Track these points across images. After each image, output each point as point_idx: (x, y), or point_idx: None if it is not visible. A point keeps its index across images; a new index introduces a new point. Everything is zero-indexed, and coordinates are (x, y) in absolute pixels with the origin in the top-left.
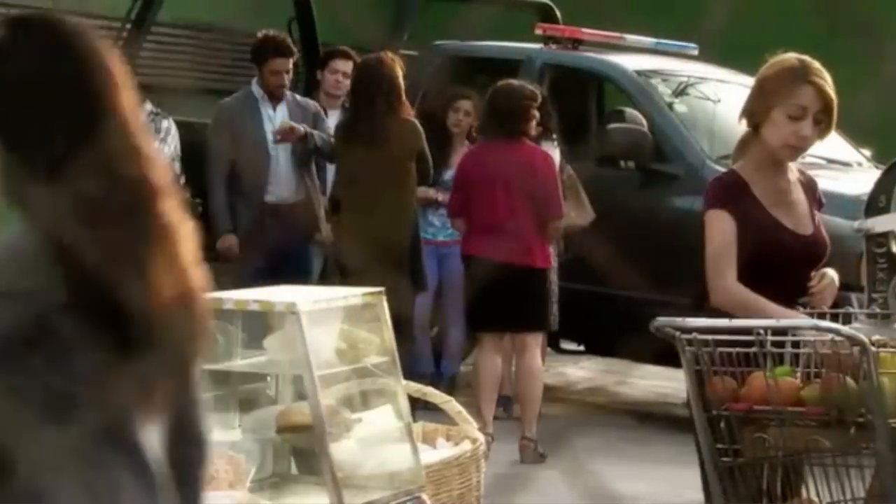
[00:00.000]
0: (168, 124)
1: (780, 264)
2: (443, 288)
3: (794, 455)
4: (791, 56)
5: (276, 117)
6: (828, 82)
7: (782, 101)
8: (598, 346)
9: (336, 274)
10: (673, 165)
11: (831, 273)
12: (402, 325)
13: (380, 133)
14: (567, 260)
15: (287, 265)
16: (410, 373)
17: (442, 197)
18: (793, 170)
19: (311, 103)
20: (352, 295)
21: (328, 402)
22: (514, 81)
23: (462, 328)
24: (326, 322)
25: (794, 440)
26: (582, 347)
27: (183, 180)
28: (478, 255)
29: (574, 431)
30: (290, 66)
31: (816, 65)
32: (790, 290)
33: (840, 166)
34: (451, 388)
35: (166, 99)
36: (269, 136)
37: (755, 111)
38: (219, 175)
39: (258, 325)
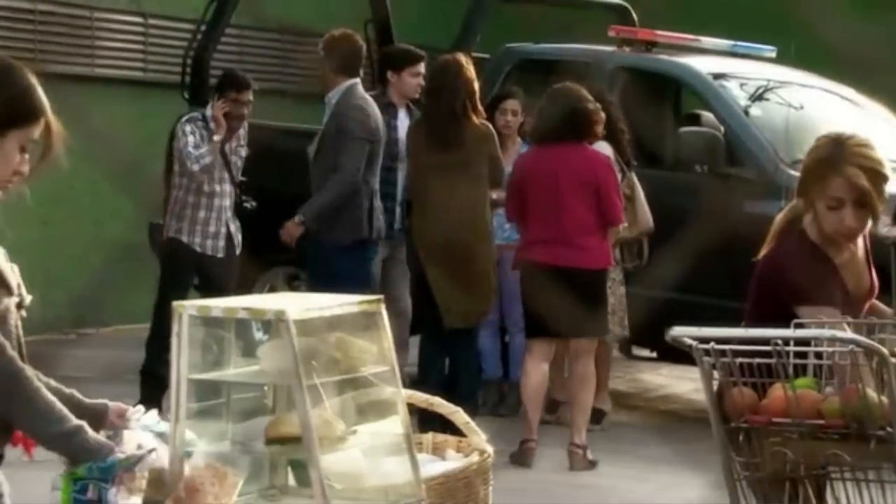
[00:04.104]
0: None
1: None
2: (502, 293)
3: (817, 470)
4: (827, 140)
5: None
6: (862, 166)
7: (819, 194)
8: (671, 352)
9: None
10: (746, 169)
11: None
12: (472, 330)
13: (453, 136)
14: (637, 265)
15: None
16: (450, 382)
17: (496, 195)
18: None
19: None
20: (348, 303)
21: (320, 412)
22: (572, 84)
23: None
24: (320, 330)
25: (814, 454)
26: (654, 354)
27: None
28: (535, 260)
29: (641, 439)
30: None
31: (853, 147)
32: None
33: None
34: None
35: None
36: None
37: (804, 200)
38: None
39: (253, 333)
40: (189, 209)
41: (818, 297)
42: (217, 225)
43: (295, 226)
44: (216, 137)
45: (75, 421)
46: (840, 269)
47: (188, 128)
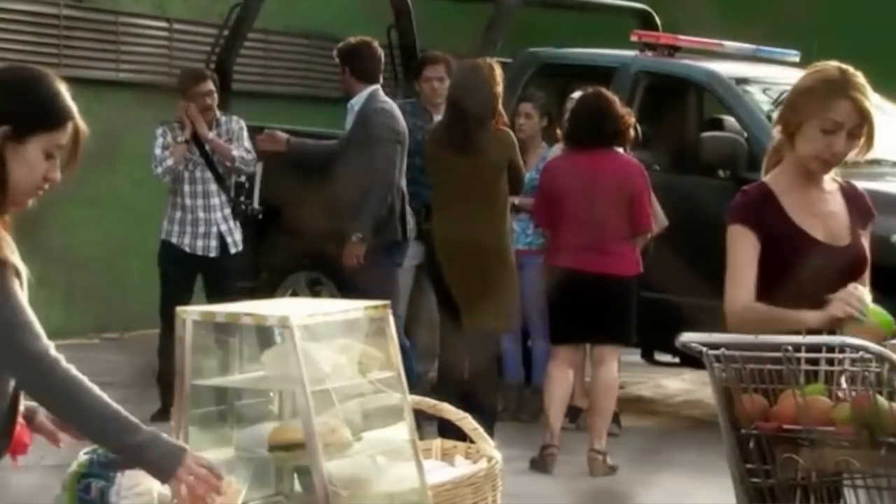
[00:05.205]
0: (236, 124)
1: (810, 276)
2: (524, 297)
3: (827, 477)
4: (832, 66)
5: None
6: (867, 97)
7: (817, 114)
8: (693, 358)
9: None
10: None
11: (859, 286)
12: (492, 337)
13: (472, 141)
14: (661, 270)
15: None
16: (470, 384)
17: (518, 200)
18: (828, 180)
19: None
20: (353, 308)
21: (324, 418)
22: (603, 89)
23: (547, 338)
24: (324, 336)
25: (825, 461)
26: (677, 360)
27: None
28: (566, 266)
29: (663, 444)
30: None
31: (858, 78)
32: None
33: None
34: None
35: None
36: None
37: (790, 121)
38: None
39: (260, 339)
40: (178, 210)
41: (741, 217)
42: (206, 225)
43: (357, 245)
44: (179, 139)
45: (146, 429)
46: (800, 220)
47: (159, 130)
